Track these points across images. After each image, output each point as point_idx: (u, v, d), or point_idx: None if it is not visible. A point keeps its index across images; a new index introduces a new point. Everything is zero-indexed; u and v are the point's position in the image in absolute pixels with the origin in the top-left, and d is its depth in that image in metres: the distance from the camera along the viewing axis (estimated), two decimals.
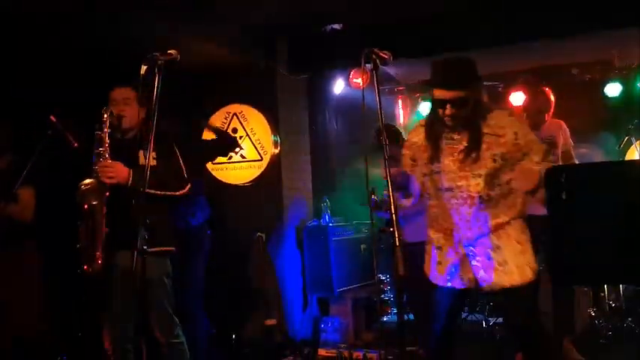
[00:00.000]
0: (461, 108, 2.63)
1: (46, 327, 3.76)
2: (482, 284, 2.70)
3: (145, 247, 2.41)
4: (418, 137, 2.86)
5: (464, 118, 2.66)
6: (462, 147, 2.72)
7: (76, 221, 3.01)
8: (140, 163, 3.10)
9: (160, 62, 2.48)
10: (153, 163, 3.03)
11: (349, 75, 5.58)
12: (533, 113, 4.24)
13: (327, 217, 5.40)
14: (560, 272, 2.03)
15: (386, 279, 5.67)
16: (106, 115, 3.06)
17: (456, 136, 2.73)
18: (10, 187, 3.37)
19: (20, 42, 4.04)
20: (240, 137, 5.36)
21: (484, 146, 2.67)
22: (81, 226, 2.97)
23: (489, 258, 2.68)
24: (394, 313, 5.59)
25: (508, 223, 2.70)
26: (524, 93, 5.51)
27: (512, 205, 2.71)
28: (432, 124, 2.78)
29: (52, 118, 3.28)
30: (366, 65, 2.40)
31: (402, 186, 2.75)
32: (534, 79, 5.31)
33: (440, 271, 2.81)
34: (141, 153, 3.13)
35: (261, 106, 5.32)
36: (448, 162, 2.73)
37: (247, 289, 5.15)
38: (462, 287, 2.77)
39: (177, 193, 3.17)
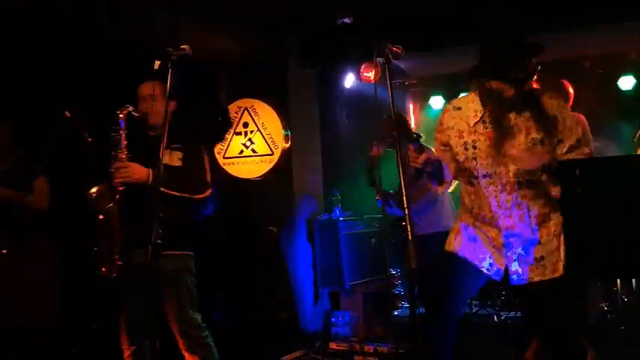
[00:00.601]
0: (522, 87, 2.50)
1: (58, 319, 3.80)
2: (512, 277, 2.58)
3: (158, 241, 2.41)
4: (454, 121, 2.67)
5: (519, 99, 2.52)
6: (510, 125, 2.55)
7: (87, 217, 3.03)
8: (163, 162, 3.02)
9: (172, 57, 2.48)
10: (178, 163, 3.06)
11: (360, 69, 5.57)
12: None
13: (337, 211, 5.40)
14: (574, 265, 2.03)
15: (397, 273, 5.67)
16: (121, 116, 2.99)
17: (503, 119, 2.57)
18: (22, 178, 3.42)
19: (24, 41, 4.06)
20: (252, 132, 5.37)
21: (524, 131, 2.53)
22: (97, 229, 2.96)
23: (527, 252, 2.57)
24: (405, 307, 5.59)
25: (549, 214, 2.57)
26: (537, 87, 5.47)
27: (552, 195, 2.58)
28: (482, 105, 2.60)
29: (67, 113, 3.32)
30: (378, 59, 2.34)
31: (434, 174, 2.63)
32: (546, 73, 5.27)
33: (472, 248, 2.67)
34: (167, 152, 3.01)
35: (272, 101, 5.33)
36: (485, 147, 2.58)
37: (259, 283, 5.18)
38: (487, 275, 2.64)
39: (197, 196, 3.08)
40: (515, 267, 2.57)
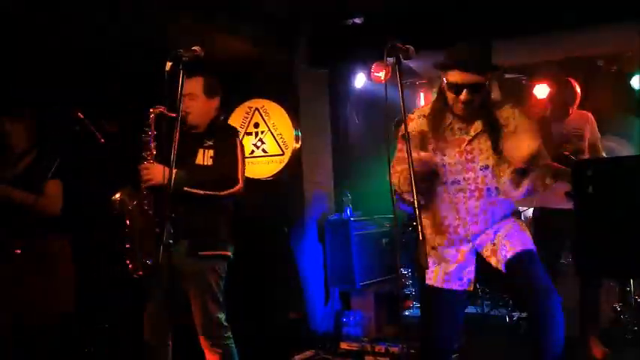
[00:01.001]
0: (476, 94, 2.51)
1: (72, 318, 3.82)
2: (496, 266, 2.59)
3: (170, 242, 2.43)
4: (416, 129, 2.68)
5: (477, 106, 2.55)
6: (469, 137, 2.60)
7: (104, 216, 3.06)
8: (197, 162, 3.05)
9: (184, 59, 2.49)
10: (209, 162, 3.06)
11: (371, 69, 5.57)
12: (559, 105, 4.19)
13: (348, 211, 5.40)
14: (586, 266, 2.02)
15: (408, 273, 5.66)
16: (151, 117, 2.98)
17: (462, 126, 2.62)
18: (37, 180, 3.43)
19: (45, 42, 4.10)
20: (262, 132, 5.38)
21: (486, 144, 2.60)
22: (124, 229, 2.99)
23: (493, 242, 2.61)
24: (416, 307, 5.58)
25: (512, 214, 2.68)
26: (549, 85, 5.44)
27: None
28: (439, 113, 2.64)
29: (80, 114, 3.34)
30: (388, 59, 2.34)
31: (425, 176, 2.60)
32: (559, 71, 5.25)
33: (436, 272, 2.65)
34: (200, 151, 3.07)
35: (283, 101, 5.33)
36: (454, 154, 2.61)
37: (269, 283, 5.18)
38: (462, 289, 2.63)
39: (221, 192, 3.04)
40: (492, 260, 2.59)
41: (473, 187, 2.59)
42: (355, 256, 5.15)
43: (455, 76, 2.51)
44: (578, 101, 4.18)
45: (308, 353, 4.76)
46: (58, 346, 3.67)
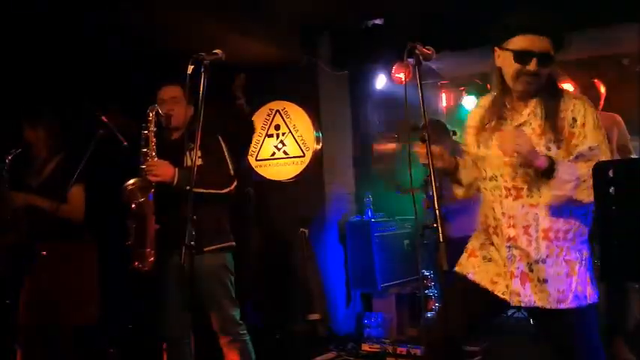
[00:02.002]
0: (544, 68, 2.15)
1: (96, 320, 3.87)
2: (513, 298, 2.26)
3: (192, 243, 2.45)
4: (474, 120, 2.42)
5: (543, 85, 2.18)
6: (516, 124, 2.25)
7: (125, 218, 3.10)
8: (185, 165, 3.10)
9: (206, 62, 2.51)
10: (199, 162, 3.05)
11: (391, 70, 5.55)
12: None
13: (369, 212, 5.40)
14: (611, 269, 1.98)
15: (429, 275, 5.63)
16: (152, 114, 3.08)
17: (514, 112, 2.28)
18: (61, 186, 3.47)
19: (69, 44, 4.16)
20: (284, 134, 5.41)
21: (540, 130, 2.20)
22: (130, 224, 3.03)
23: (530, 269, 2.23)
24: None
25: (567, 232, 2.21)
26: (573, 85, 5.37)
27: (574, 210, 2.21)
28: (496, 100, 2.30)
29: (104, 118, 3.38)
30: (409, 60, 2.25)
31: (447, 172, 2.42)
32: (583, 70, 5.18)
33: (486, 269, 2.34)
34: (187, 155, 3.11)
35: (304, 103, 5.35)
36: (493, 145, 2.28)
37: (291, 285, 5.20)
38: (502, 300, 2.29)
39: (223, 191, 3.12)
40: (516, 285, 2.24)
41: (510, 185, 2.25)
42: (376, 258, 5.14)
43: (522, 42, 2.16)
44: (602, 102, 4.12)
45: (329, 355, 4.76)
46: (83, 347, 3.73)
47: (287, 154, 5.40)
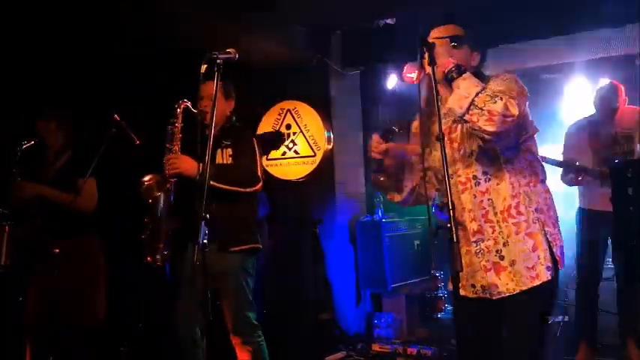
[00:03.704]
0: (455, 50, 2.24)
1: (107, 317, 3.88)
2: (493, 292, 2.22)
3: (204, 241, 2.45)
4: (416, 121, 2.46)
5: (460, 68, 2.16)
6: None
7: (135, 214, 3.10)
8: (217, 161, 3.11)
9: (219, 61, 2.52)
10: (229, 160, 3.13)
11: (403, 70, 5.53)
12: (603, 107, 4.10)
13: (380, 212, 5.39)
14: (625, 269, 1.97)
15: (440, 275, 5.62)
16: (179, 110, 3.07)
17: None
18: (73, 181, 3.49)
19: (80, 44, 4.18)
20: (294, 133, 5.41)
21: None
22: (145, 218, 3.04)
23: (500, 257, 2.21)
24: (449, 309, 5.53)
25: (517, 207, 2.20)
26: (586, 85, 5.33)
27: (518, 173, 2.21)
28: (428, 102, 2.31)
29: (116, 116, 3.40)
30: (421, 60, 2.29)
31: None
32: (595, 71, 5.14)
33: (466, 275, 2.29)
34: (218, 151, 3.14)
35: (315, 102, 5.35)
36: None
37: (300, 284, 5.20)
38: (474, 297, 2.27)
39: (246, 189, 3.09)
40: (492, 278, 2.22)
41: (464, 179, 2.27)
42: (387, 258, 5.13)
43: (432, 34, 2.34)
44: (621, 100, 4.09)
45: (339, 355, 4.76)
46: (94, 345, 3.74)
47: (298, 153, 5.40)
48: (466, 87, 2.08)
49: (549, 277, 2.17)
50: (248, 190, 3.11)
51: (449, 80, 2.13)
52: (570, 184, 4.12)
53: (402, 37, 4.97)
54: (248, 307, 3.17)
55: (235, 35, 4.36)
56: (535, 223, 2.21)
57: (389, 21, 5.17)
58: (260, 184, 3.17)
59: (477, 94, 2.05)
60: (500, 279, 2.20)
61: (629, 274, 1.80)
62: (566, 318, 4.91)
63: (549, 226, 2.24)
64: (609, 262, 4.26)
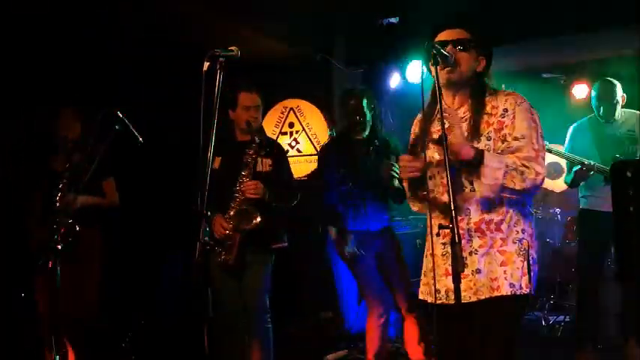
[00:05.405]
0: (463, 52, 2.26)
1: (108, 314, 3.90)
2: (451, 293, 2.20)
3: (206, 239, 2.47)
4: (417, 126, 2.52)
5: (465, 74, 2.26)
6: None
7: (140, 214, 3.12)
8: (257, 169, 3.34)
9: (221, 59, 2.52)
10: (267, 169, 3.38)
11: (406, 69, 5.53)
12: (605, 107, 4.09)
13: None
14: (627, 270, 1.97)
15: None
16: (257, 139, 3.30)
17: (450, 106, 2.32)
18: (97, 184, 3.63)
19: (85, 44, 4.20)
20: (297, 132, 5.42)
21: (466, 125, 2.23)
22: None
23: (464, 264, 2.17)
24: None
25: (499, 223, 2.22)
26: (588, 85, 5.33)
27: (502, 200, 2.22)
28: (430, 106, 2.33)
29: (119, 113, 3.41)
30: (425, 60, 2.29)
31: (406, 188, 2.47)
32: (599, 71, 5.13)
33: (428, 286, 2.37)
34: (259, 160, 3.35)
35: (318, 101, 5.36)
36: (432, 146, 2.31)
37: (303, 282, 5.21)
38: (438, 303, 2.27)
39: (289, 204, 3.50)
40: (451, 283, 2.12)
41: (440, 183, 2.31)
42: None
43: (440, 37, 2.33)
44: (622, 101, 4.08)
45: (341, 353, 4.76)
46: (95, 341, 3.75)
47: (300, 152, 5.41)
48: (493, 160, 2.13)
49: (510, 293, 2.17)
50: (290, 205, 3.54)
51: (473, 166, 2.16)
52: (574, 182, 4.08)
53: (405, 36, 4.98)
54: (267, 301, 3.53)
55: (237, 34, 4.37)
56: (515, 243, 2.23)
57: (392, 20, 5.17)
58: (297, 199, 3.61)
59: (504, 176, 2.10)
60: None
61: (630, 274, 1.81)
62: (567, 318, 4.91)
63: (533, 249, 2.26)
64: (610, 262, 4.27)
